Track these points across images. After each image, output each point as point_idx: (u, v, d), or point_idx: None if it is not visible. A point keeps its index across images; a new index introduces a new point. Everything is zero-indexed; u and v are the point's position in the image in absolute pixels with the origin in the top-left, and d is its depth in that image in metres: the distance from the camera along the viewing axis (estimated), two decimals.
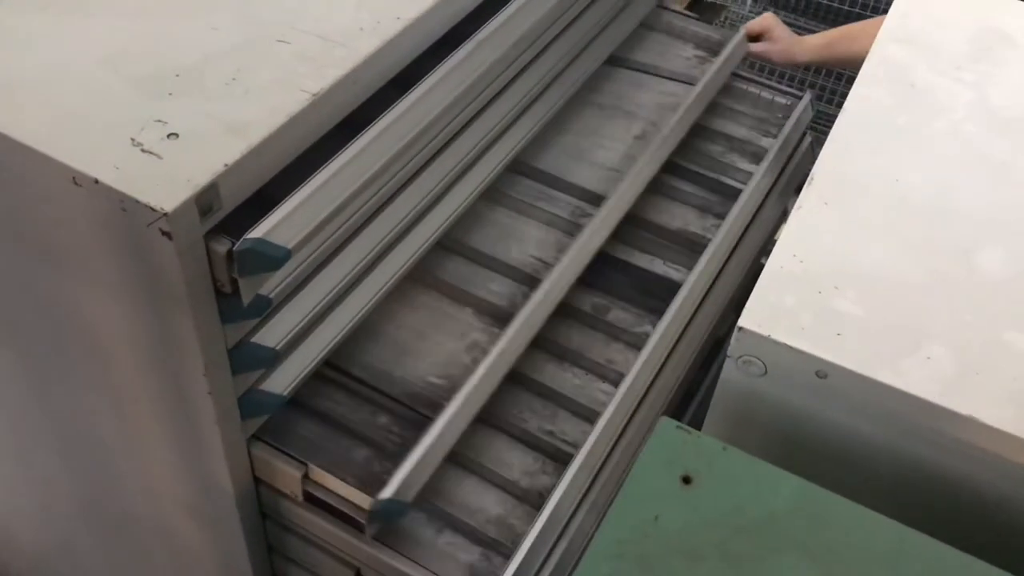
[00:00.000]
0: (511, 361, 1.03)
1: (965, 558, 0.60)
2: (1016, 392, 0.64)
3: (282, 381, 0.91)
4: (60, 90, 0.79)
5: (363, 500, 0.91)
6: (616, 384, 1.07)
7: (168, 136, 0.76)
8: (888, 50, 0.92)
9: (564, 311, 1.21)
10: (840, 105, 0.86)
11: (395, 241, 1.00)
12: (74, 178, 0.72)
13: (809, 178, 0.80)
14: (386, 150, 0.89)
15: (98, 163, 0.72)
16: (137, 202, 0.70)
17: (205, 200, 0.72)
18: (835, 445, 0.71)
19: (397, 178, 0.94)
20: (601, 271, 1.26)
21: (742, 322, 0.69)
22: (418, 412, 1.03)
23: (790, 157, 1.38)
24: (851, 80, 0.89)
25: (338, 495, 0.94)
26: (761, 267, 0.74)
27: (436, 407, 1.00)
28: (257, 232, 0.76)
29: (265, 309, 0.84)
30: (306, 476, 0.94)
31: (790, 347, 0.68)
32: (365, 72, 0.86)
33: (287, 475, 0.94)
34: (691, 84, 1.41)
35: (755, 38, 1.59)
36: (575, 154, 1.33)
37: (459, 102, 0.99)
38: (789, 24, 1.73)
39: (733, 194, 1.30)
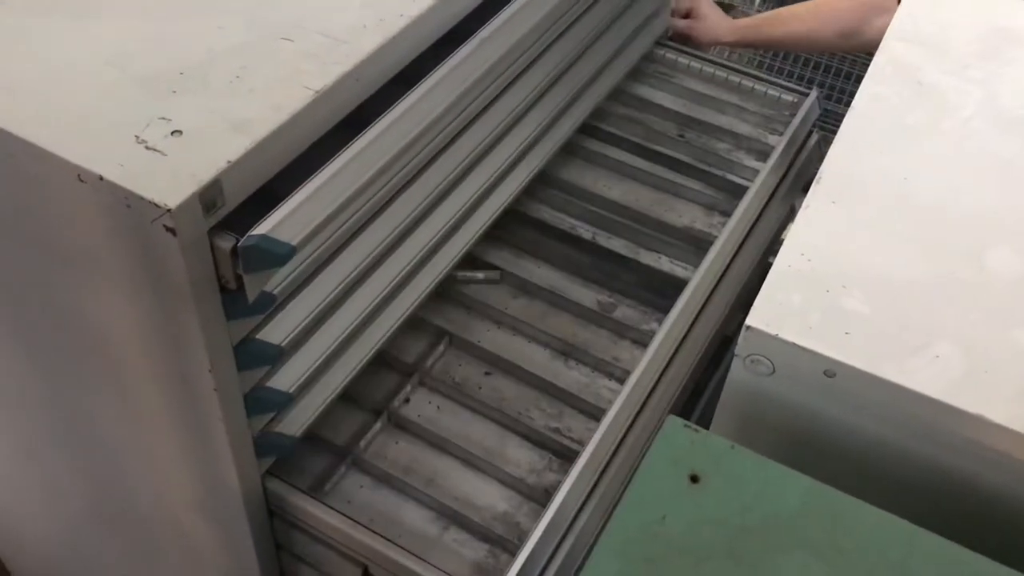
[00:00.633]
0: None
1: (975, 557, 0.60)
2: None
3: (288, 379, 0.91)
4: (65, 88, 0.79)
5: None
6: (622, 382, 1.06)
7: (172, 133, 0.76)
8: (896, 49, 0.92)
9: (569, 307, 1.22)
10: (848, 104, 0.86)
11: (400, 238, 0.99)
12: (79, 175, 0.72)
13: (817, 177, 0.79)
14: (390, 147, 0.89)
15: (103, 160, 0.72)
16: (141, 199, 0.70)
17: (209, 196, 0.72)
18: (843, 444, 0.70)
19: (401, 175, 0.94)
20: (607, 269, 1.26)
21: (750, 321, 0.68)
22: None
23: (797, 155, 1.38)
24: (859, 79, 0.88)
25: None
26: (768, 266, 0.73)
27: None
28: (262, 228, 0.76)
29: (270, 306, 0.83)
30: None
31: (798, 346, 0.67)
32: (369, 69, 0.85)
33: None
34: None
35: (685, 18, 1.56)
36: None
37: (463, 99, 0.99)
38: None
39: (740, 192, 1.30)
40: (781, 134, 1.40)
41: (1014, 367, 0.66)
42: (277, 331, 0.87)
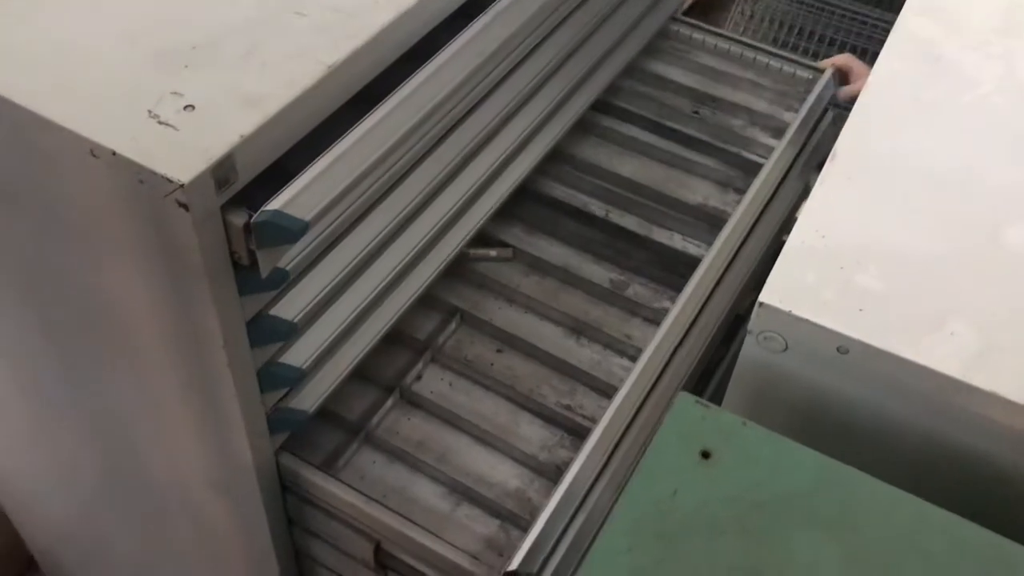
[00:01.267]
0: None
1: (988, 534, 0.59)
2: None
3: (301, 355, 0.91)
4: (77, 63, 0.79)
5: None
6: (634, 359, 1.06)
7: (184, 108, 0.75)
8: (913, 23, 0.91)
9: (581, 285, 1.21)
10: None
11: (413, 215, 0.99)
12: (92, 150, 0.72)
13: (832, 153, 0.78)
14: (404, 122, 0.88)
15: (115, 135, 0.72)
16: (154, 173, 0.70)
17: (221, 171, 0.72)
18: (856, 421, 0.70)
19: (415, 151, 0.93)
20: (620, 246, 1.26)
21: (763, 297, 0.68)
22: None
23: (812, 132, 1.36)
24: (875, 56, 0.87)
25: None
26: (782, 244, 0.73)
27: None
28: (275, 204, 0.76)
29: (283, 282, 0.84)
30: None
31: (811, 323, 0.67)
32: (381, 44, 0.85)
33: None
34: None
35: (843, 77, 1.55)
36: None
37: (476, 74, 0.98)
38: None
39: (754, 169, 1.29)
40: (796, 111, 1.39)
41: None
42: (290, 307, 0.87)
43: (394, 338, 1.11)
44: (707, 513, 0.62)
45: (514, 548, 0.89)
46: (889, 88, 0.84)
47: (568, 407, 1.10)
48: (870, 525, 0.60)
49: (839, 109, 1.41)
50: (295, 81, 0.78)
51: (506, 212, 1.22)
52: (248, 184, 0.76)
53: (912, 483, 0.62)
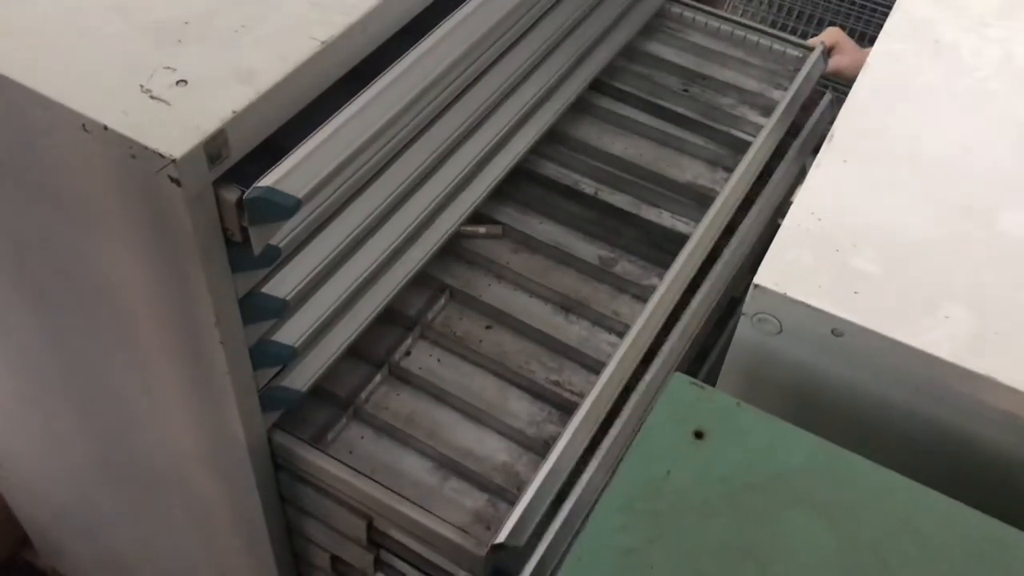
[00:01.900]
0: None
1: (979, 516, 0.60)
2: None
3: (294, 333, 0.91)
4: (70, 37, 0.78)
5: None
6: (622, 336, 1.07)
7: (177, 83, 0.74)
8: (913, 6, 0.90)
9: (571, 262, 1.21)
10: None
11: (407, 194, 0.99)
12: (84, 125, 0.71)
13: (829, 135, 0.78)
14: (397, 100, 0.87)
15: (107, 109, 0.71)
16: (146, 148, 0.69)
17: (213, 147, 0.71)
18: (850, 403, 0.71)
19: (408, 129, 0.93)
20: (609, 224, 1.26)
21: (758, 279, 0.68)
22: None
23: (803, 111, 1.37)
24: (872, 39, 0.87)
25: None
26: (778, 227, 0.73)
27: None
28: (268, 180, 0.75)
29: (275, 259, 0.83)
30: None
31: (806, 305, 0.67)
32: (375, 20, 0.84)
33: None
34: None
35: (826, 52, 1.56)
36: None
37: (471, 53, 0.97)
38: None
39: (743, 147, 1.29)
40: (786, 89, 1.39)
41: None
42: (283, 285, 0.87)
43: (383, 315, 1.11)
44: (700, 493, 0.62)
45: (502, 521, 0.90)
46: (888, 70, 0.84)
47: (556, 383, 1.10)
48: (863, 506, 0.61)
49: (837, 93, 1.41)
50: (288, 57, 0.77)
51: (497, 190, 1.21)
52: (241, 160, 0.75)
53: (905, 465, 0.62)
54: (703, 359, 1.21)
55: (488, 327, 1.16)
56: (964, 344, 0.64)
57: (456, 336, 1.14)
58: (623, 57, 1.44)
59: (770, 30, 1.50)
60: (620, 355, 1.02)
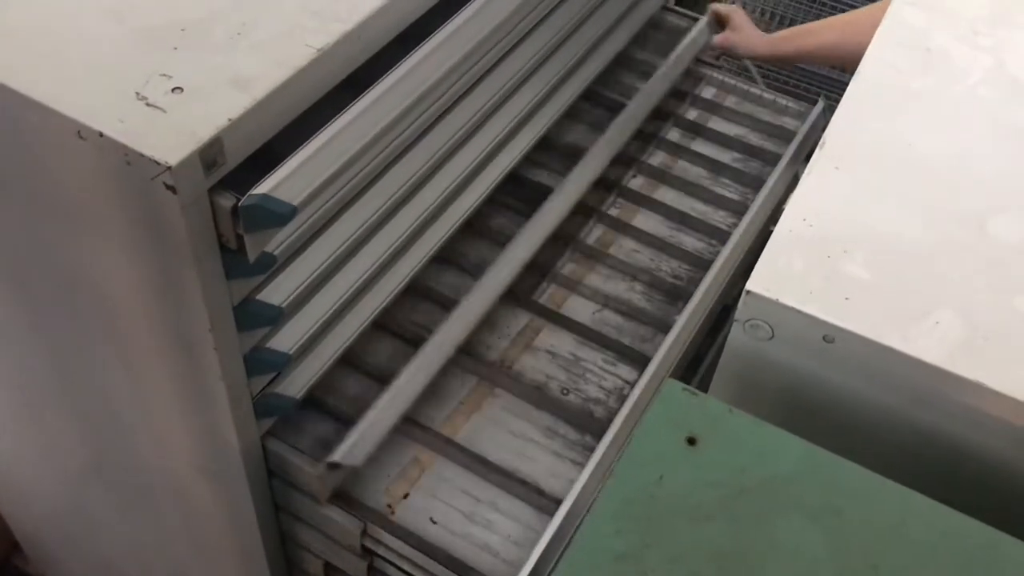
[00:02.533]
0: None
1: (970, 522, 0.60)
2: None
3: (288, 340, 0.91)
4: (65, 44, 0.78)
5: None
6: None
7: (173, 90, 0.75)
8: (904, 13, 0.91)
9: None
10: (854, 73, 0.85)
11: (402, 202, 0.99)
12: (79, 132, 0.72)
13: (821, 142, 0.78)
14: (392, 108, 0.88)
15: (103, 117, 0.72)
16: (141, 155, 0.70)
17: (209, 154, 0.72)
18: (841, 409, 0.70)
19: (403, 137, 0.93)
20: None
21: (750, 286, 0.68)
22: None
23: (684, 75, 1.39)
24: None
25: None
26: (770, 234, 0.73)
27: None
28: (263, 188, 0.75)
29: (271, 266, 0.83)
30: None
31: (798, 311, 0.67)
32: (371, 27, 0.84)
33: None
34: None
35: (720, 25, 1.56)
36: None
37: (467, 61, 0.98)
38: None
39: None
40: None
41: (1014, 335, 0.66)
42: (278, 292, 0.87)
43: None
44: (693, 498, 0.62)
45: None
46: (880, 77, 0.84)
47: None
48: (854, 512, 0.61)
49: (829, 101, 1.41)
50: (284, 64, 0.78)
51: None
52: (236, 167, 0.75)
53: (896, 471, 0.62)
54: (696, 366, 1.21)
55: None
56: (954, 350, 0.64)
57: None
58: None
59: (674, 7, 1.52)
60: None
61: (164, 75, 0.76)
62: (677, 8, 1.55)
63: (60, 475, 1.32)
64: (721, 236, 1.25)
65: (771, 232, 0.73)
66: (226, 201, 0.75)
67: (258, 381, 0.91)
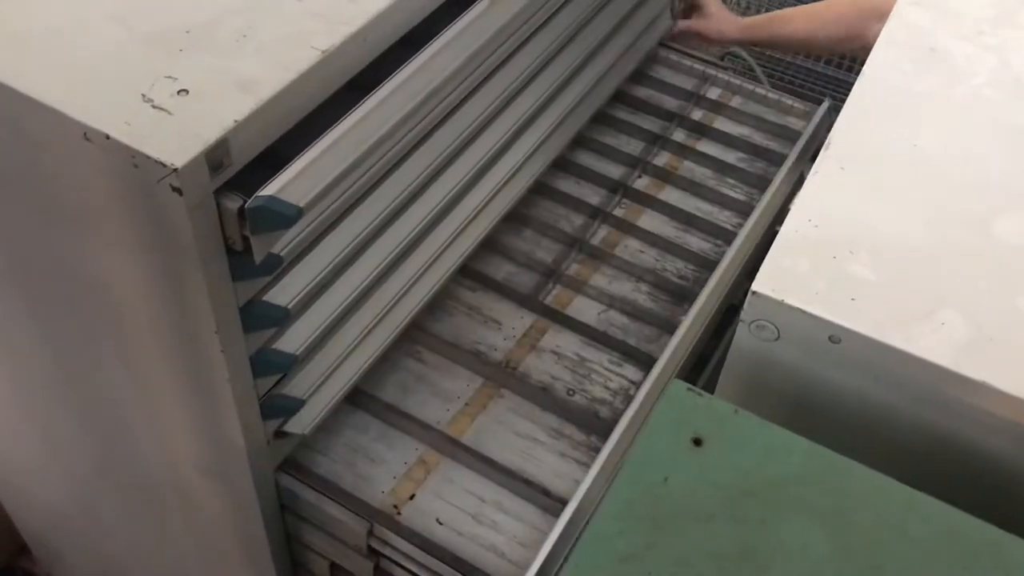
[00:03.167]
0: None
1: (976, 522, 0.60)
2: None
3: (295, 341, 0.91)
4: (70, 46, 0.78)
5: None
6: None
7: (178, 92, 0.75)
8: (908, 13, 0.91)
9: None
10: (859, 73, 0.85)
11: (408, 202, 0.99)
12: (85, 134, 0.72)
13: (826, 142, 0.78)
14: (398, 109, 0.88)
15: (109, 119, 0.72)
16: (148, 158, 0.70)
17: (215, 156, 0.72)
18: (847, 410, 0.70)
19: (409, 138, 0.93)
20: None
21: (756, 286, 0.68)
22: None
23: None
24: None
25: None
26: (776, 235, 0.73)
27: None
28: (269, 189, 0.75)
29: (277, 267, 0.83)
30: None
31: (803, 311, 0.67)
32: (376, 29, 0.85)
33: None
34: None
35: (688, 11, 1.54)
36: None
37: (472, 61, 0.98)
38: None
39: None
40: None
41: (1020, 334, 0.66)
42: (284, 293, 0.87)
43: None
44: (698, 499, 0.62)
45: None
46: (884, 78, 0.84)
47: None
48: (859, 512, 0.61)
49: (835, 101, 1.41)
50: (290, 66, 0.78)
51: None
52: (242, 169, 0.76)
53: (902, 471, 0.62)
54: (702, 366, 1.21)
55: None
56: (960, 350, 0.64)
57: None
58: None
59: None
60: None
61: (170, 77, 0.76)
62: (671, 45, 1.53)
63: (66, 477, 1.32)
64: (727, 236, 1.25)
65: (777, 232, 0.73)
66: (232, 203, 0.75)
67: (264, 382, 0.91)
